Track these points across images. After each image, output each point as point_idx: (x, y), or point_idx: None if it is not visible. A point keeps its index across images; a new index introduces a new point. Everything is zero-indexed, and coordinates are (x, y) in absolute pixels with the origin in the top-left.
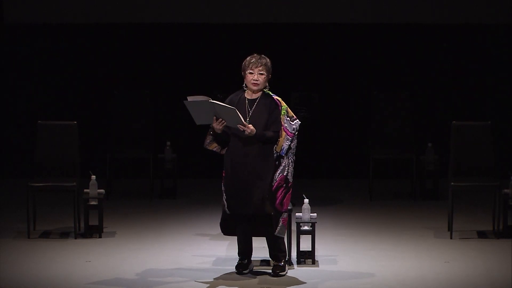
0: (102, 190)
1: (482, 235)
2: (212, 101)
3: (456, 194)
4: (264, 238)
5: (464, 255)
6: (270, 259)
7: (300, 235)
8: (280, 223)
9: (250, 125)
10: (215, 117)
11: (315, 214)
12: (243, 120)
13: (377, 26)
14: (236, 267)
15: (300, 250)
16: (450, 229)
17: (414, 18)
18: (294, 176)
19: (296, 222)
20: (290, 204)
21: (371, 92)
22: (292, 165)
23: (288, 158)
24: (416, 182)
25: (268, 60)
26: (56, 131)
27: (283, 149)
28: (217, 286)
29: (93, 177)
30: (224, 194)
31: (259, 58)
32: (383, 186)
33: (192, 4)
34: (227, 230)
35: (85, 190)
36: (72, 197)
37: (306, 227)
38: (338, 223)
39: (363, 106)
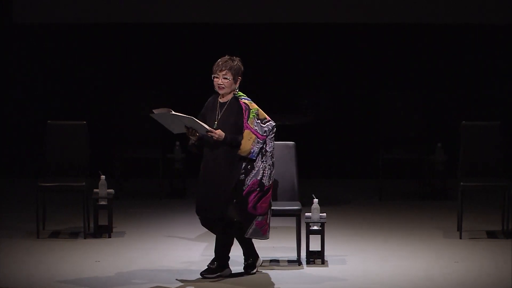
0: (111, 190)
1: (491, 235)
2: (172, 112)
3: (465, 194)
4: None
5: (473, 255)
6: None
7: (310, 235)
8: (254, 226)
9: (217, 130)
10: (185, 127)
11: (325, 214)
12: (207, 127)
13: (387, 26)
14: (244, 268)
15: (310, 250)
16: (459, 229)
17: (424, 18)
18: (303, 176)
19: (305, 222)
20: (297, 204)
21: (381, 92)
22: (270, 169)
23: (265, 161)
24: (426, 182)
25: (235, 62)
26: (65, 131)
27: (253, 153)
28: (223, 286)
29: (103, 177)
30: None
31: (225, 61)
32: (393, 186)
33: (193, 4)
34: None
35: (94, 190)
36: (82, 197)
37: (315, 227)
38: (347, 223)
39: (373, 106)
